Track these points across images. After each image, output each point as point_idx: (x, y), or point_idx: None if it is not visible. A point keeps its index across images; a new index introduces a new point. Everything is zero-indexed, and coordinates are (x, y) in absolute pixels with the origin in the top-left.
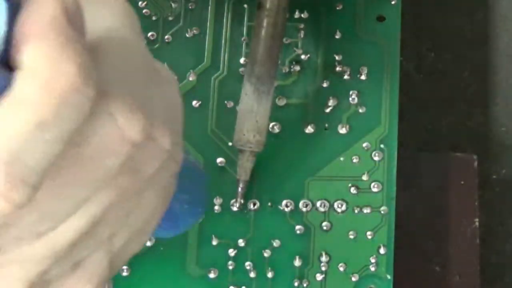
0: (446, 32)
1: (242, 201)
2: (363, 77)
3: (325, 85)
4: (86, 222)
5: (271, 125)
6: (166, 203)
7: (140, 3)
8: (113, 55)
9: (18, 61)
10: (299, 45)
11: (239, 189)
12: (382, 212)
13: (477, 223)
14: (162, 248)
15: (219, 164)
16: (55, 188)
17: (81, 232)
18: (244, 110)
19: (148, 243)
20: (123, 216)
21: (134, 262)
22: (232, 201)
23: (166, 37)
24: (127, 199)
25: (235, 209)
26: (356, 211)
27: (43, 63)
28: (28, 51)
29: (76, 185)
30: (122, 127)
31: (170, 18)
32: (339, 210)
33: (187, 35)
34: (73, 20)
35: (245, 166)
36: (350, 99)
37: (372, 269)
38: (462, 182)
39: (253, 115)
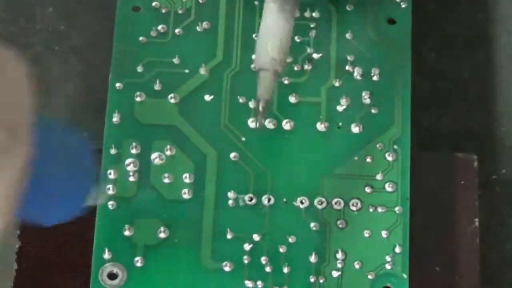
0: (446, 32)
1: (263, 120)
2: (375, 78)
3: (337, 84)
4: None
5: (284, 122)
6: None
7: None
8: None
9: None
10: (311, 44)
11: (260, 108)
12: (397, 212)
13: (477, 223)
14: (176, 240)
15: (233, 159)
16: None
17: None
18: (267, 29)
19: (162, 235)
20: None
21: (148, 253)
22: (246, 196)
23: (176, 30)
24: None
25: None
26: (371, 210)
27: None
28: None
29: None
30: None
31: (180, 12)
32: (354, 208)
33: (198, 29)
34: None
35: (268, 85)
36: (363, 99)
37: (388, 267)
38: (462, 182)
39: (277, 34)
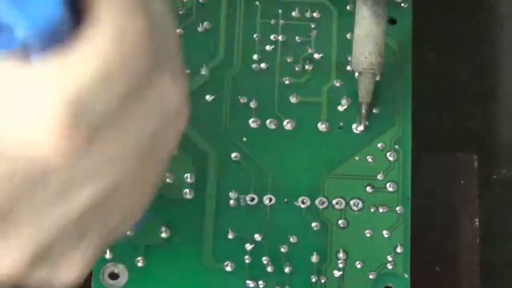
0: (446, 32)
1: (367, 123)
2: (376, 79)
3: (338, 84)
4: (96, 194)
5: (285, 122)
6: (162, 177)
7: None
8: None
9: (89, 7)
10: (312, 44)
11: (363, 111)
12: (398, 212)
13: (477, 223)
14: (178, 240)
15: (234, 159)
16: (98, 145)
17: (91, 203)
18: (363, 33)
19: (164, 235)
20: (125, 194)
21: (150, 253)
22: (248, 196)
23: (177, 30)
24: (134, 177)
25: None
26: (372, 210)
27: (118, 15)
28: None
29: (114, 145)
30: (168, 95)
31: (181, 12)
32: (355, 208)
33: (199, 29)
34: None
35: (367, 88)
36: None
37: (390, 267)
38: (462, 182)
39: (373, 37)
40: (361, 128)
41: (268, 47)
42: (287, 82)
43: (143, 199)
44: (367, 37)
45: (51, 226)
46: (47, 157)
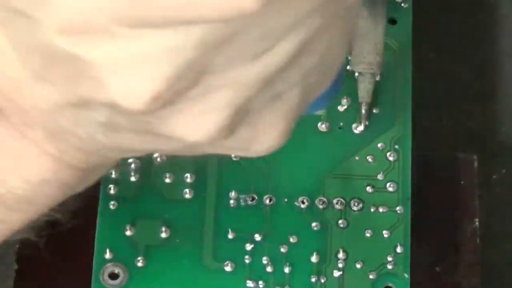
0: (446, 32)
1: (367, 123)
2: (376, 79)
3: None
4: (295, 47)
5: None
6: (350, 40)
7: None
8: None
9: None
10: None
11: (363, 111)
12: (398, 212)
13: (477, 223)
14: (178, 240)
15: (234, 159)
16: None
17: (290, 57)
18: (362, 33)
19: (164, 235)
20: (322, 48)
21: (150, 253)
22: (248, 196)
23: None
24: (330, 29)
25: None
26: (372, 210)
27: None
28: None
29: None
30: None
31: None
32: (355, 208)
33: None
34: None
35: (367, 88)
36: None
37: (390, 267)
38: (462, 182)
39: (371, 37)
40: (361, 128)
41: None
42: None
43: (338, 54)
44: (365, 37)
45: (250, 82)
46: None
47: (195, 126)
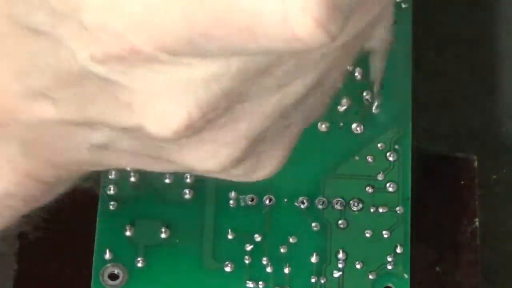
0: (446, 32)
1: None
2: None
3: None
4: (315, 78)
5: None
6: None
7: None
8: None
9: None
10: None
11: (375, 90)
12: (398, 212)
13: (477, 223)
14: (177, 241)
15: None
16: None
17: (309, 89)
18: None
19: (164, 235)
20: (334, 76)
21: (149, 253)
22: (247, 196)
23: None
24: (346, 59)
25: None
26: (372, 210)
27: None
28: None
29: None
30: None
31: None
32: (355, 208)
33: None
34: None
35: (379, 66)
36: (363, 99)
37: (390, 267)
38: (462, 182)
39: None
40: (361, 128)
41: None
42: None
43: (341, 81)
44: None
45: (269, 113)
46: (310, 40)
47: (209, 157)
